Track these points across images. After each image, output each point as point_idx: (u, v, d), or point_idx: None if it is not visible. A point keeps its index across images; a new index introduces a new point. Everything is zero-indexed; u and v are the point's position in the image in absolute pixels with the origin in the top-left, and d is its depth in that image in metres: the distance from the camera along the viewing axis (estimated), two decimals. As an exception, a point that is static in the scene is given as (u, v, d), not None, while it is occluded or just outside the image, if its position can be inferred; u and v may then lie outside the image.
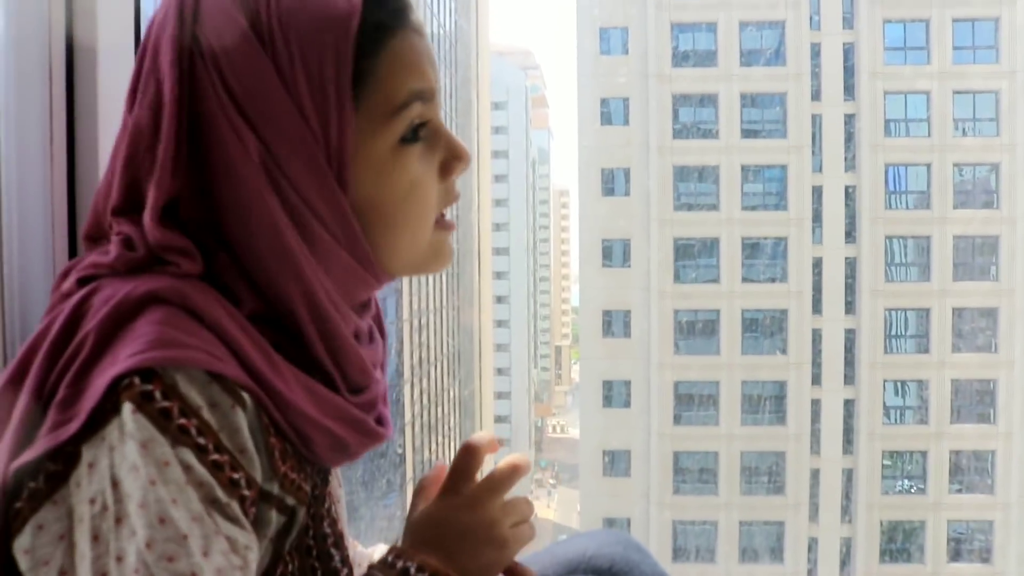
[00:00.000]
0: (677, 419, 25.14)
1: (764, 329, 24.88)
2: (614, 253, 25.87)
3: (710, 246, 25.00)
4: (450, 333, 29.57)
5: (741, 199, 24.95)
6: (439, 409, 28.23)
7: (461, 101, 31.51)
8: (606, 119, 25.67)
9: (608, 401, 26.01)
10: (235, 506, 0.61)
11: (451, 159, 0.73)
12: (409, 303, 24.69)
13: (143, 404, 0.58)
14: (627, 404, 25.73)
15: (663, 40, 24.81)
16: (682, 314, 25.13)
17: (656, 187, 25.05)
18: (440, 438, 28.15)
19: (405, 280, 24.72)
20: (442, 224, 0.75)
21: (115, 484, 0.57)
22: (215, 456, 0.60)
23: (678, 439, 24.88)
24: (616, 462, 25.81)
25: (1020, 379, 23.13)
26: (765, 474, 24.58)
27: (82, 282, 0.67)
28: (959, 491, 23.54)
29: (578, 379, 33.79)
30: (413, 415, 24.60)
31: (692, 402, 25.12)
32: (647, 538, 24.90)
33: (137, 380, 0.58)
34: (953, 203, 23.95)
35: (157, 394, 0.58)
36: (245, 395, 0.62)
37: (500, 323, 46.19)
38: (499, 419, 44.32)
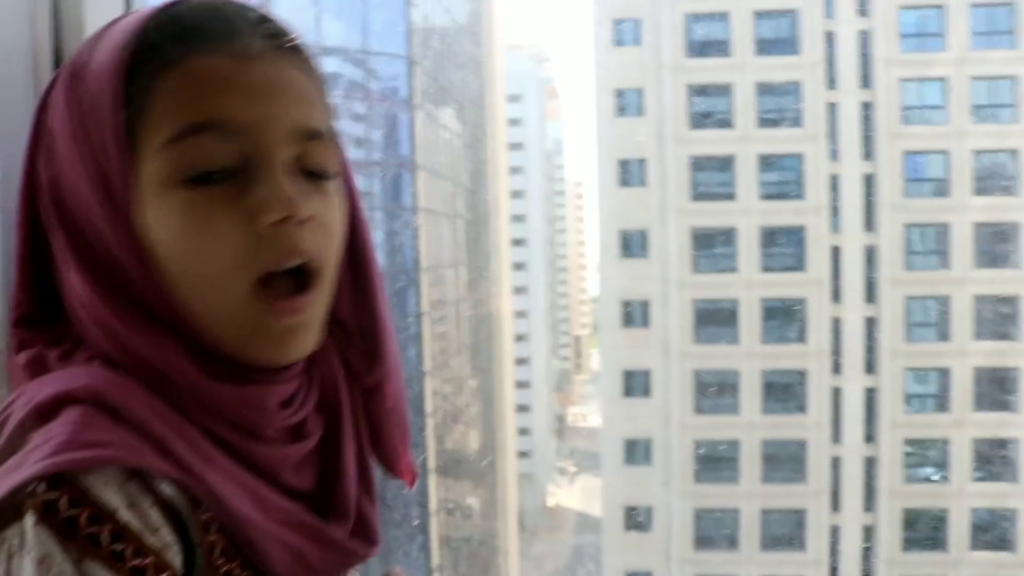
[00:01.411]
0: (698, 408, 25.14)
1: (783, 318, 24.81)
2: (632, 243, 25.87)
3: (728, 235, 24.94)
4: (470, 324, 29.66)
5: (758, 188, 24.86)
6: (460, 399, 28.35)
7: (475, 94, 31.53)
8: (621, 110, 25.63)
9: (629, 390, 26.05)
10: None
11: (260, 204, 0.61)
12: (428, 295, 24.81)
13: (46, 515, 0.53)
14: (647, 393, 25.76)
15: (677, 30, 24.72)
16: (701, 303, 25.11)
17: (673, 177, 25.00)
18: (461, 427, 28.28)
19: (424, 272, 24.85)
20: (266, 296, 0.61)
21: None
22: (135, 562, 0.54)
23: (699, 428, 24.89)
24: (637, 451, 25.86)
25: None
26: (786, 462, 24.56)
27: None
28: (982, 479, 23.42)
29: (598, 368, 33.83)
30: (435, 406, 24.75)
31: (712, 391, 25.11)
32: (669, 526, 24.98)
33: (43, 488, 0.54)
34: (972, 190, 23.76)
35: (62, 503, 0.54)
36: (170, 490, 0.58)
37: (520, 313, 46.26)
38: (520, 408, 44.46)
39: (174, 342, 0.61)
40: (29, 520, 0.53)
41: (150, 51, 0.62)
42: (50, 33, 0.87)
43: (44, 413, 0.58)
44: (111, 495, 0.55)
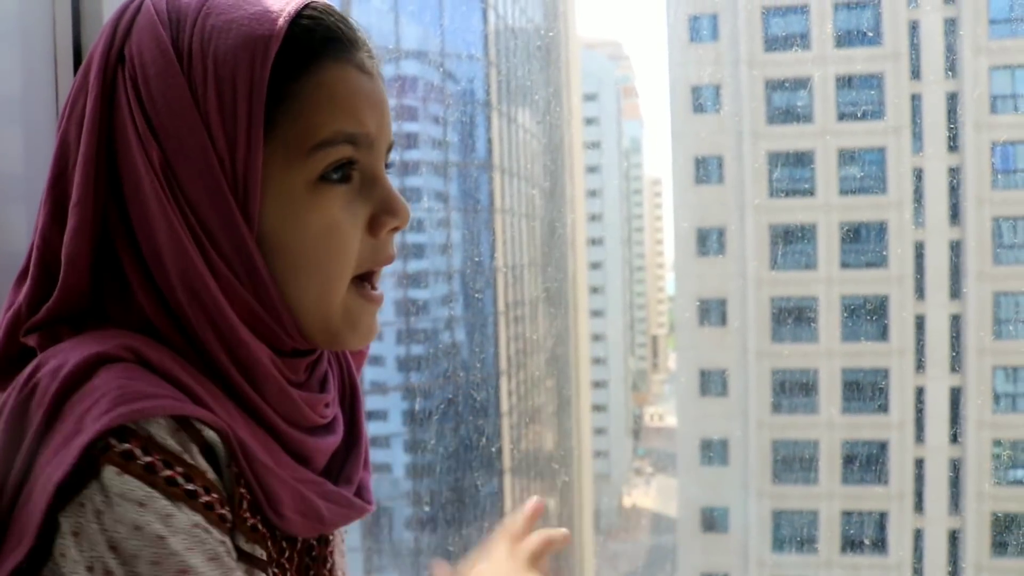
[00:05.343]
0: (776, 407, 24.85)
1: (864, 315, 24.37)
2: (709, 241, 25.71)
3: (807, 232, 24.61)
4: (546, 324, 29.78)
5: (839, 183, 24.45)
6: (536, 399, 28.48)
7: (552, 94, 31.64)
8: (698, 107, 25.50)
9: (705, 390, 25.87)
10: (229, 543, 0.60)
11: (383, 213, 0.66)
12: (504, 295, 25.02)
13: (127, 464, 0.56)
14: (724, 393, 25.57)
15: (754, 25, 24.50)
16: (779, 301, 24.83)
17: (750, 174, 24.76)
18: (538, 427, 28.42)
19: (500, 272, 25.09)
20: (362, 291, 0.68)
21: (113, 548, 0.54)
22: (206, 498, 0.58)
23: (777, 428, 24.59)
24: (714, 451, 25.69)
25: None
26: (867, 463, 24.11)
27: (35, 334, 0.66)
28: (1075, 481, 22.62)
29: (675, 368, 33.64)
30: (510, 406, 24.96)
31: (791, 390, 24.80)
32: (746, 528, 24.73)
33: (113, 440, 0.56)
34: (1064, 182, 22.98)
35: (137, 451, 0.56)
36: (214, 435, 0.60)
37: (596, 313, 46.16)
38: (596, 408, 44.37)
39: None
40: (111, 472, 0.55)
41: (295, 48, 0.63)
42: (71, 25, 0.89)
43: (82, 374, 0.59)
44: (172, 442, 0.58)
